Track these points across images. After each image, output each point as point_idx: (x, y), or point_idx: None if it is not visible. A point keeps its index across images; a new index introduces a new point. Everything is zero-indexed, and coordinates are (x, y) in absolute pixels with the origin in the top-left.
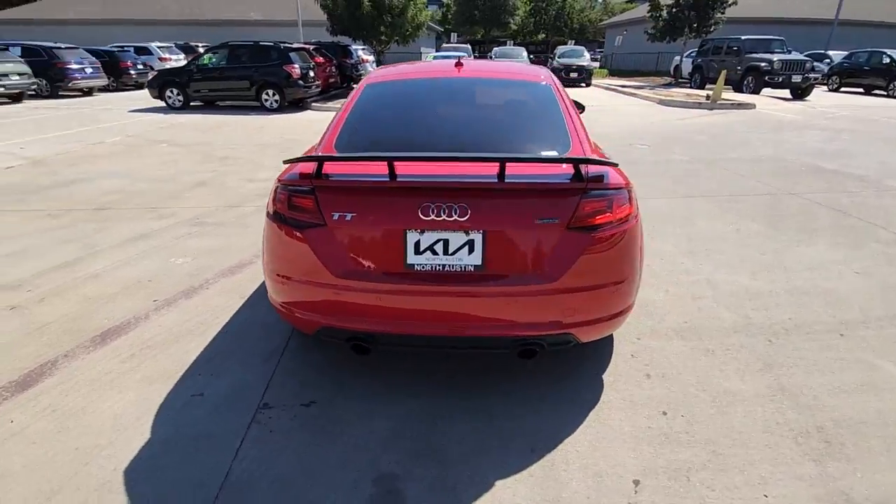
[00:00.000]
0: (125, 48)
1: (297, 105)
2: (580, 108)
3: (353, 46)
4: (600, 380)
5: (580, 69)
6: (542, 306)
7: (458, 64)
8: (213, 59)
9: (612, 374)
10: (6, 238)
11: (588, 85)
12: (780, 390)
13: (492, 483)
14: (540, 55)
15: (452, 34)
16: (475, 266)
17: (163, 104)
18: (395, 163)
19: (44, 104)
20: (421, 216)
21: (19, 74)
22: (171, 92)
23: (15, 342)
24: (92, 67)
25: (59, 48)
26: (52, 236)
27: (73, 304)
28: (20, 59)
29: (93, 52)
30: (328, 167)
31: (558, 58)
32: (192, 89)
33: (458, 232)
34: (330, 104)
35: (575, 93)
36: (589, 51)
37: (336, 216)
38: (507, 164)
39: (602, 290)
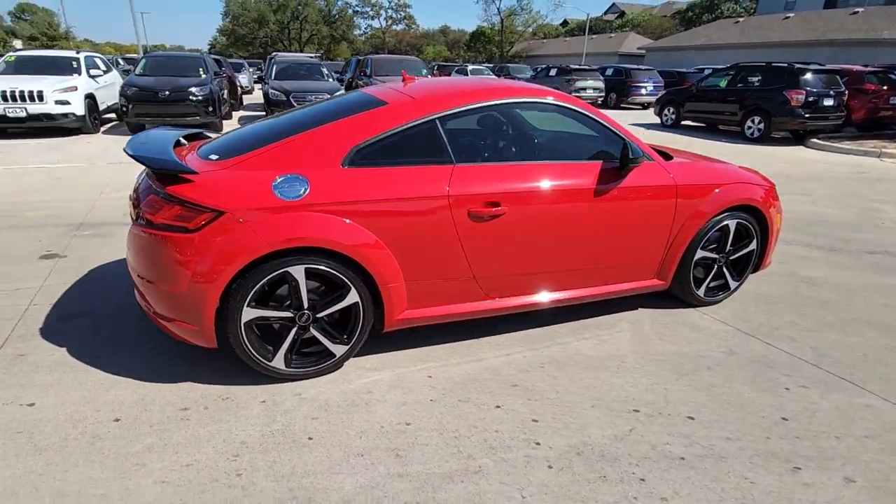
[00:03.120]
0: (703, 69)
1: (797, 137)
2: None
3: None
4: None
5: None
6: None
7: (404, 80)
8: (720, 80)
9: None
10: None
11: None
12: None
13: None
14: None
15: None
16: None
17: (658, 121)
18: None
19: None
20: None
21: (594, 89)
22: (668, 110)
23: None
24: (654, 86)
25: (638, 69)
26: None
27: None
28: (600, 76)
29: (664, 73)
30: None
31: None
32: (686, 108)
33: None
34: (844, 144)
35: None
36: None
37: None
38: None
39: (145, 283)
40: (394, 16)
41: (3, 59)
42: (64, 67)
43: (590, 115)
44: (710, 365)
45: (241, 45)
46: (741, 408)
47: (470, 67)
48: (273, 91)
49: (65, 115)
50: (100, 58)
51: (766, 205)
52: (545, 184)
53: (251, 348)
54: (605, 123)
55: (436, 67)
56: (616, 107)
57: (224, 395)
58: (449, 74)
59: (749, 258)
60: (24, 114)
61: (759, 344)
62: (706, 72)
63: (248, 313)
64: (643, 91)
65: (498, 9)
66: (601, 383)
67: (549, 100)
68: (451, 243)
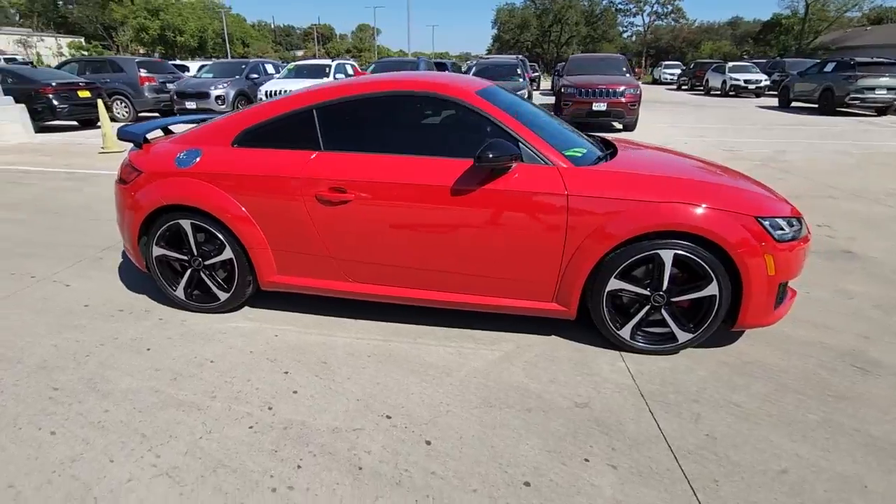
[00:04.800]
0: None
1: None
2: None
3: None
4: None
5: None
6: None
7: (355, 74)
8: None
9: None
10: None
11: None
12: None
13: None
14: None
15: None
16: None
17: None
18: None
19: None
20: None
21: (888, 88)
22: None
23: None
24: None
25: None
26: None
27: None
28: None
29: None
30: None
31: None
32: None
33: None
34: None
35: None
36: None
37: None
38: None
39: (116, 220)
40: (659, 10)
41: (286, 67)
42: (320, 72)
43: (475, 108)
44: (533, 408)
45: (505, 49)
46: (494, 456)
47: (729, 65)
48: None
49: None
50: (350, 64)
51: (731, 239)
52: (396, 176)
53: (161, 277)
54: (489, 116)
55: (693, 65)
56: None
57: (147, 308)
58: (704, 72)
59: (711, 305)
60: None
61: (639, 408)
62: None
63: (156, 250)
64: None
65: None
66: (396, 386)
67: (424, 92)
68: (304, 221)
